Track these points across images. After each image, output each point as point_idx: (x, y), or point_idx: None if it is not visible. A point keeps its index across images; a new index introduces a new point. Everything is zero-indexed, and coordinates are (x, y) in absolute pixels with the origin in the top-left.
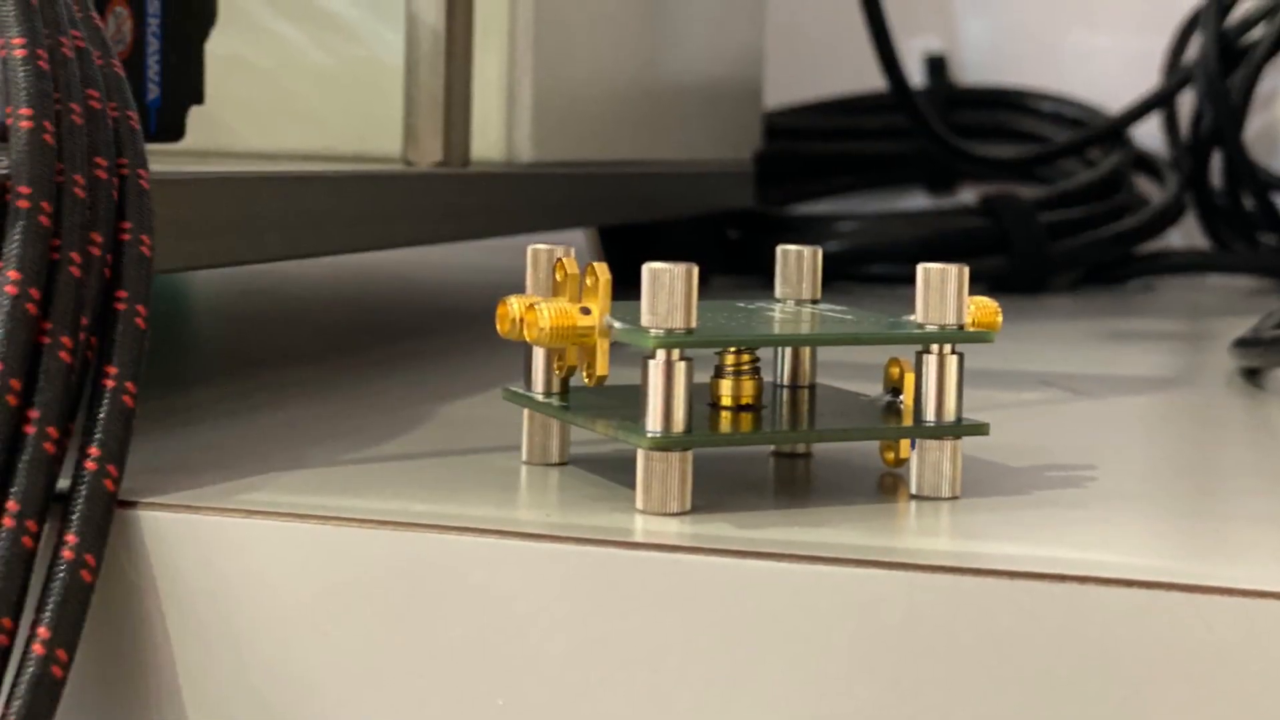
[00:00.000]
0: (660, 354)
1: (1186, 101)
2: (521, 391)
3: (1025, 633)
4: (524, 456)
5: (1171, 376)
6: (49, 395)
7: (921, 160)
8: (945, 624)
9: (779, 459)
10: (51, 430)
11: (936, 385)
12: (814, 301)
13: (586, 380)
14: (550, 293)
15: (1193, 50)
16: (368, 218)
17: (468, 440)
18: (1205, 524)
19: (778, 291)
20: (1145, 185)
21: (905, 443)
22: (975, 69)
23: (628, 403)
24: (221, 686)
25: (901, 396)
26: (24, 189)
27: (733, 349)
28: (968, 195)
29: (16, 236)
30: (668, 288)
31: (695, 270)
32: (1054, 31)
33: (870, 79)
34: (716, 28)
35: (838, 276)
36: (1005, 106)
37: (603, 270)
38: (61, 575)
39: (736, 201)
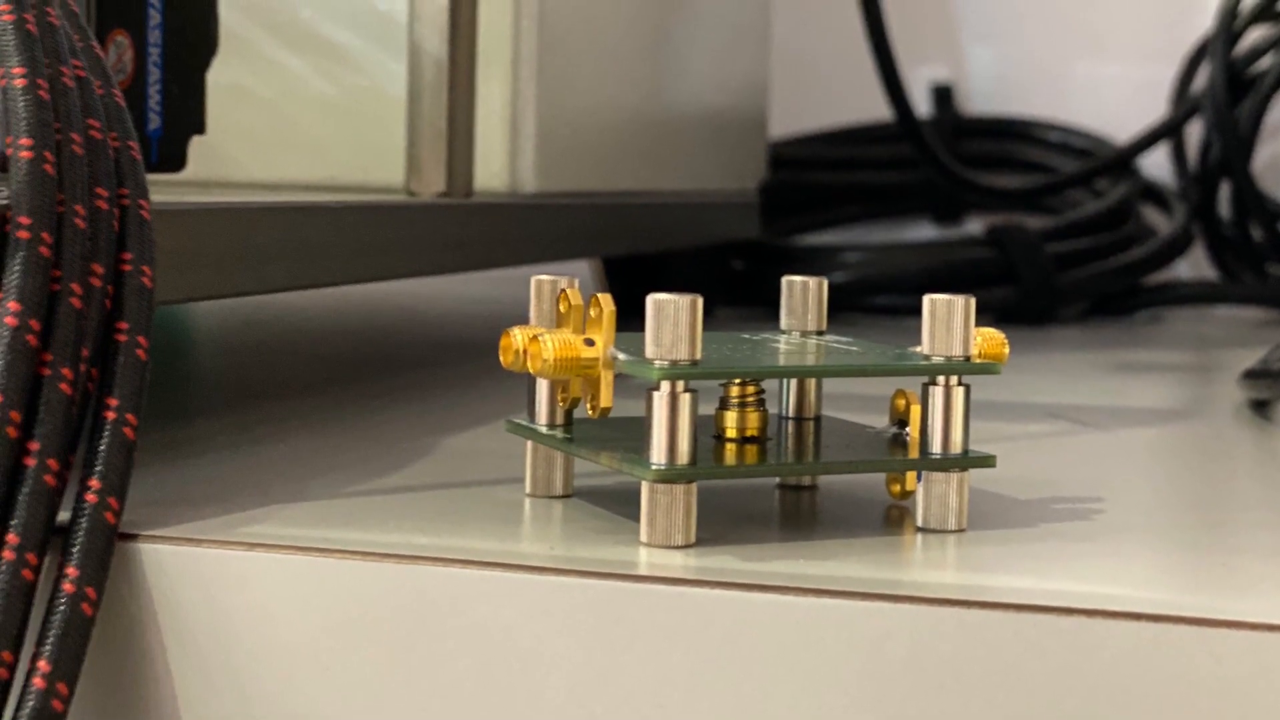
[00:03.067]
0: (665, 386)
1: (1194, 131)
2: (525, 423)
3: (1032, 666)
4: (527, 489)
5: (1179, 408)
6: (49, 427)
7: (927, 191)
8: (952, 658)
9: (784, 491)
10: (52, 462)
11: (943, 417)
12: (819, 333)
13: (590, 412)
14: (554, 324)
15: (1201, 80)
16: (370, 248)
17: (471, 472)
18: (1213, 557)
19: (783, 323)
20: (1153, 216)
21: (911, 475)
22: (982, 99)
23: (632, 435)
24: None
25: (908, 428)
26: (24, 219)
27: (737, 381)
28: (974, 226)
29: (17, 267)
30: (672, 319)
31: (700, 301)
32: (1061, 61)
33: (876, 109)
34: (721, 57)
35: (843, 308)
36: (1012, 136)
37: (607, 301)
38: (62, 608)
39: (741, 232)
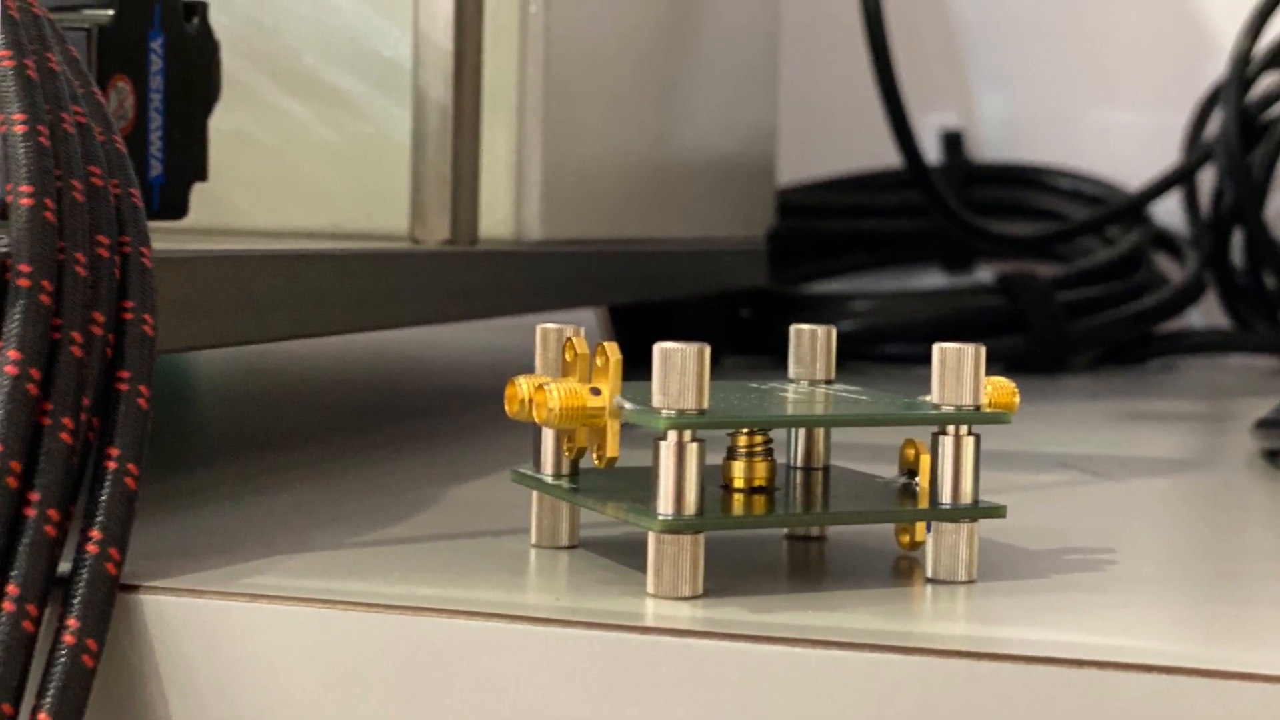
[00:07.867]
0: (672, 435)
1: (1207, 178)
2: (530, 473)
3: (1043, 719)
4: (533, 539)
5: (1191, 458)
6: (50, 477)
7: (937, 238)
8: (962, 710)
9: (792, 542)
10: (52, 513)
11: (953, 467)
12: (828, 382)
13: (596, 462)
14: (560, 373)
15: (1213, 126)
16: (374, 297)
17: (476, 523)
18: (1226, 608)
19: (791, 372)
20: (1165, 263)
21: (921, 525)
22: (992, 145)
23: (638, 485)
24: None
25: (917, 478)
26: (24, 267)
27: (745, 430)
28: (984, 274)
29: (17, 316)
30: (679, 368)
31: (707, 350)
32: (1072, 107)
33: (885, 155)
34: (729, 104)
35: (852, 356)
36: (1023, 183)
37: (613, 350)
38: (63, 660)
39: (749, 280)
